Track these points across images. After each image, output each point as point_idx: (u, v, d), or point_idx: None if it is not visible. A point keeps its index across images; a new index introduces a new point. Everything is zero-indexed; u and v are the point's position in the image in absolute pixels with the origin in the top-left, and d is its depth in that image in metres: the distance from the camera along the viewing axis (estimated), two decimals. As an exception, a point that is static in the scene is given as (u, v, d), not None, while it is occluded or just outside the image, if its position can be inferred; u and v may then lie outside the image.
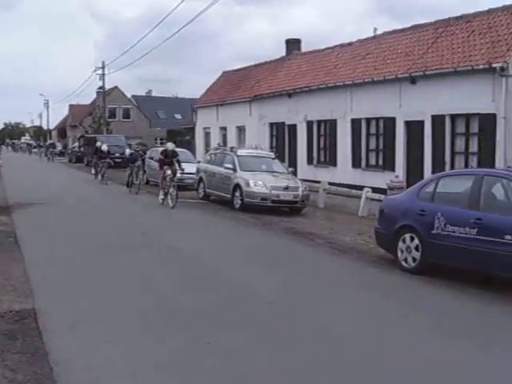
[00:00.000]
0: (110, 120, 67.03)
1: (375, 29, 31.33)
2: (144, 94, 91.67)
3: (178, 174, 21.80)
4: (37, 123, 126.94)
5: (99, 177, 31.31)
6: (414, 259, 10.78)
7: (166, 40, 66.81)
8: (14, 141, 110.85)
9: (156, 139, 74.02)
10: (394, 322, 7.87)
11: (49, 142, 74.32)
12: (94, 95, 75.75)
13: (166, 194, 20.97)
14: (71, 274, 9.84)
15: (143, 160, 27.92)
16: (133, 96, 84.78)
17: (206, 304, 8.22)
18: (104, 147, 32.19)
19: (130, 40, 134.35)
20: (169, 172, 20.90)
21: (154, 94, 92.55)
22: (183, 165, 21.97)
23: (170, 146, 22.48)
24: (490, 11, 23.22)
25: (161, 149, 23.92)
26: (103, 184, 29.93)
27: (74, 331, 6.87)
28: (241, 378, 5.74)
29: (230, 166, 21.11)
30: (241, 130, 37.33)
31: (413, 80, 23.71)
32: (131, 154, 28.14)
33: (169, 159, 21.35)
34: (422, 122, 23.22)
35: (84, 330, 6.95)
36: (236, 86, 39.16)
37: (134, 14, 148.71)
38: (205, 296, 8.66)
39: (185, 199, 22.80)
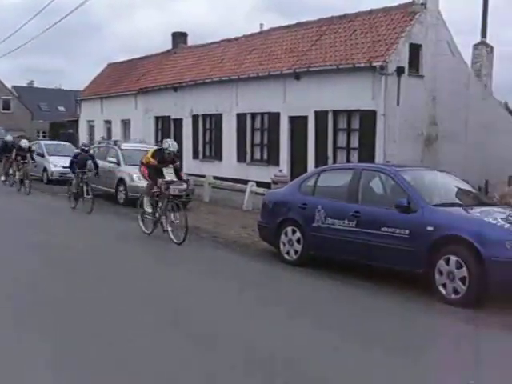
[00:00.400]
0: (-11, 111, 64.37)
1: (261, 25, 31.56)
2: (26, 84, 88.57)
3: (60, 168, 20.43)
4: None
5: (12, 183, 23.71)
6: (296, 252, 10.94)
7: (48, 29, 64.06)
8: None
9: (38, 132, 71.70)
10: (257, 309, 8.04)
11: None
12: (-30, 85, 72.59)
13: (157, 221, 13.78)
14: None
15: (95, 163, 18.90)
16: (13, 87, 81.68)
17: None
18: (24, 143, 23.57)
19: (10, 27, 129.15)
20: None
21: (36, 85, 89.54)
22: (66, 158, 21.10)
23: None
24: (371, 12, 23.93)
25: (152, 149, 15.32)
26: (25, 194, 22.03)
27: None
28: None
29: (113, 159, 20.71)
30: (126, 123, 36.73)
31: (297, 76, 24.12)
32: (76, 156, 18.82)
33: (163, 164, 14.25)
34: (305, 118, 23.67)
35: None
36: (121, 79, 38.48)
37: (15, 0, 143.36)
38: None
39: (67, 193, 22.20)
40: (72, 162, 18.44)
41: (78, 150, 20.12)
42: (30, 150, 23.49)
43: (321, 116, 23.01)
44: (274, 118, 25.30)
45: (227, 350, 6.26)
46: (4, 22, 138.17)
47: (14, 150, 23.21)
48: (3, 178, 24.52)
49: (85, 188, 17.91)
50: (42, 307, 7.60)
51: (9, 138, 25.81)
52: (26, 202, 20.20)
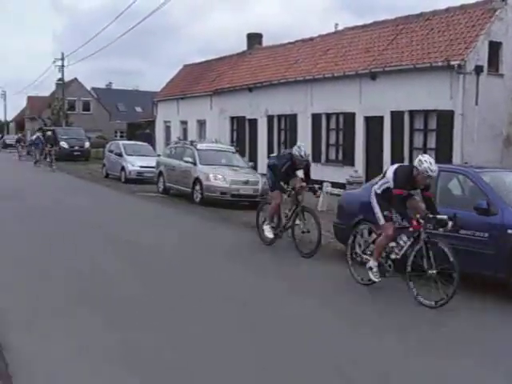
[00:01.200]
0: (70, 112, 66.19)
1: (336, 24, 31.50)
2: (104, 86, 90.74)
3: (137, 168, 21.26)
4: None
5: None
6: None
7: (126, 32, 66.06)
8: None
9: (116, 132, 73.36)
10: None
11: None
12: (53, 87, 74.78)
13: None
14: (28, 268, 9.71)
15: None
16: (93, 88, 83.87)
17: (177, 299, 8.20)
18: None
19: (90, 31, 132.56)
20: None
21: (114, 86, 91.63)
22: (143, 158, 21.70)
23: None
24: (448, 10, 23.51)
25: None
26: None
27: (31, 326, 6.78)
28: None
29: (190, 159, 21.02)
30: (201, 123, 37.23)
31: (373, 76, 23.93)
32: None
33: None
34: (381, 118, 23.45)
35: (41, 325, 6.87)
36: (197, 80, 39.01)
37: (95, 4, 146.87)
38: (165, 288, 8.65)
39: (144, 192, 22.72)
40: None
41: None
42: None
43: (397, 116, 22.76)
44: (350, 118, 25.17)
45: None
46: (84, 27, 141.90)
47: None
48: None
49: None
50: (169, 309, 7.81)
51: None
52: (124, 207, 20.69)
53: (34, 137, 39.49)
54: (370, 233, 10.90)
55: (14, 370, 5.49)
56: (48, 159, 35.09)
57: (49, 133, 39.51)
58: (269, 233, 12.67)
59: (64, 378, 5.46)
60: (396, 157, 22.51)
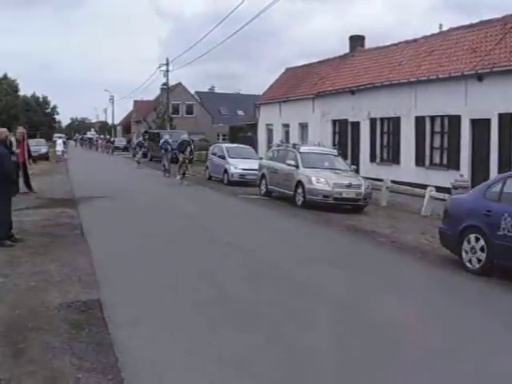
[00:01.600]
0: (174, 116, 67.82)
1: (440, 25, 30.90)
2: (207, 90, 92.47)
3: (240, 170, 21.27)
4: (102, 118, 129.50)
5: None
6: (479, 260, 10.60)
7: (229, 37, 67.08)
8: (84, 135, 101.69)
9: (218, 135, 74.56)
10: (462, 323, 7.79)
11: (109, 138, 75.96)
12: (158, 91, 76.89)
13: None
14: (136, 267, 10.07)
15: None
16: (196, 92, 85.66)
17: (277, 302, 8.30)
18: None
19: (193, 36, 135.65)
20: None
21: (216, 90, 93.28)
22: (246, 161, 21.91)
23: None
24: (561, 7, 22.64)
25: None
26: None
27: (139, 323, 7.05)
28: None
29: (292, 162, 21.09)
30: (303, 126, 37.32)
31: (479, 77, 23.29)
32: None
33: None
34: (488, 121, 22.78)
35: (148, 322, 7.12)
36: (299, 83, 39.14)
37: (198, 10, 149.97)
38: (268, 290, 8.76)
39: (247, 195, 23.00)
40: None
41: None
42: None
43: (506, 119, 22.03)
44: (455, 120, 24.58)
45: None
46: (187, 32, 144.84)
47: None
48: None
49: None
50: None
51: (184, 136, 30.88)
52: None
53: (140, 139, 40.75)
54: (477, 240, 10.70)
55: (122, 366, 5.76)
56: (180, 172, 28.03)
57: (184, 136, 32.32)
58: None
59: (170, 375, 5.67)
60: (503, 160, 21.86)
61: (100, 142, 79.78)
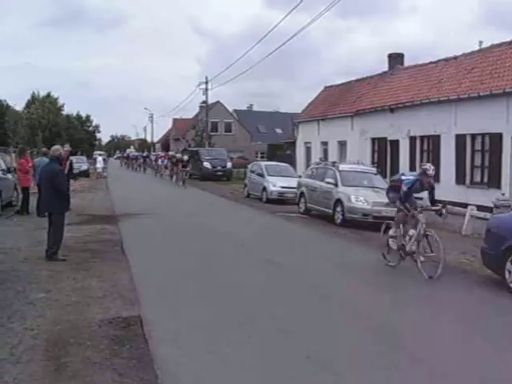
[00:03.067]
0: (212, 133, 68.30)
1: (481, 42, 30.72)
2: (245, 108, 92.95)
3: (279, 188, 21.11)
4: (141, 136, 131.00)
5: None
6: (523, 281, 10.44)
7: (268, 55, 67.83)
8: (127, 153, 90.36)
9: (257, 153, 74.77)
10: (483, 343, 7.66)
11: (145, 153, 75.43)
12: (197, 109, 77.54)
13: None
14: (175, 283, 10.12)
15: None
16: (234, 110, 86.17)
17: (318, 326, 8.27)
18: (185, 157, 40.95)
19: (232, 55, 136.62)
20: None
21: (254, 108, 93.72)
22: (284, 179, 21.95)
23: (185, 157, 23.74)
24: None
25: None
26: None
27: (179, 340, 7.09)
28: None
29: (331, 180, 21.05)
30: (342, 144, 37.24)
31: (522, 95, 23.03)
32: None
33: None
34: (530, 138, 22.49)
35: (188, 339, 7.15)
36: (337, 101, 39.12)
37: (236, 29, 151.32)
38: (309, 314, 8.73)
39: (285, 213, 22.99)
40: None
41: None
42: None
43: (548, 136, 21.77)
44: (496, 138, 24.29)
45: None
46: (225, 51, 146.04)
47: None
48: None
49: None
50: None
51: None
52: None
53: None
54: (520, 259, 10.53)
55: (162, 382, 5.82)
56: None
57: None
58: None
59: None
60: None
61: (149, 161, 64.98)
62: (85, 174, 45.35)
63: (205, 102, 62.74)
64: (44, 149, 21.43)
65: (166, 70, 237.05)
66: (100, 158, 51.10)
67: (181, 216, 21.12)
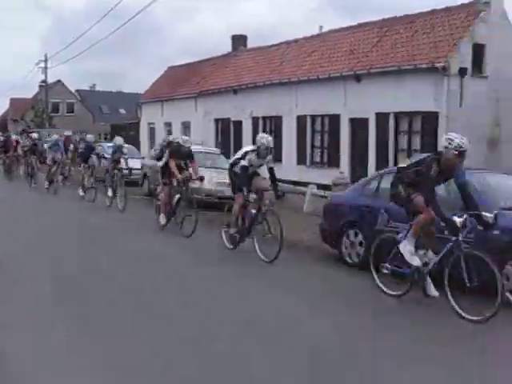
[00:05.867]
0: (54, 114, 65.95)
1: (321, 27, 31.63)
2: (88, 88, 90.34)
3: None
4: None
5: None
6: (358, 255, 10.90)
7: (110, 34, 65.66)
8: None
9: (100, 134, 73.01)
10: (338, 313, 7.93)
11: None
12: (37, 89, 74.41)
13: None
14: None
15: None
16: (77, 90, 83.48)
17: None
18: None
19: (73, 32, 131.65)
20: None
21: (98, 88, 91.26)
22: (130, 161, 21.69)
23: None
24: (433, 12, 23.67)
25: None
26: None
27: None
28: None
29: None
30: (186, 125, 37.14)
31: (358, 78, 24.03)
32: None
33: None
34: (366, 120, 23.55)
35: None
36: (181, 82, 38.87)
37: (78, 4, 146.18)
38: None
39: (133, 195, 22.56)
40: None
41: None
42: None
43: (382, 118, 22.85)
44: (335, 120, 25.22)
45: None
46: (67, 28, 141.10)
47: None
48: None
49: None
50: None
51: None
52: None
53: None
54: (355, 235, 10.98)
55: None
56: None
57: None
58: None
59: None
60: (381, 158, 22.64)
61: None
62: None
63: (44, 81, 60.29)
64: None
65: (3, 48, 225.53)
66: None
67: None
